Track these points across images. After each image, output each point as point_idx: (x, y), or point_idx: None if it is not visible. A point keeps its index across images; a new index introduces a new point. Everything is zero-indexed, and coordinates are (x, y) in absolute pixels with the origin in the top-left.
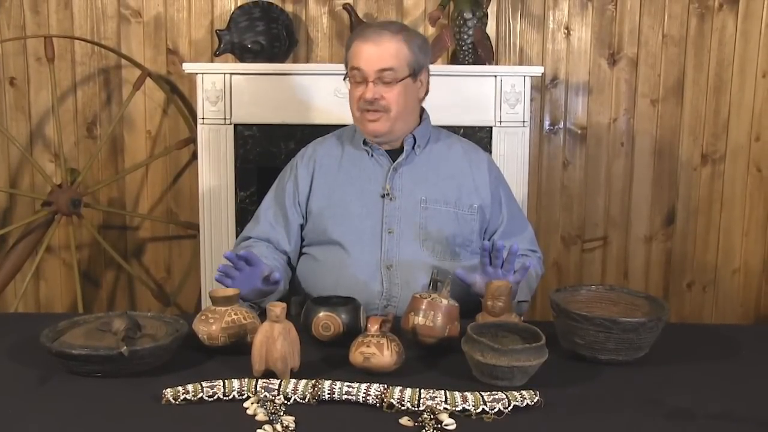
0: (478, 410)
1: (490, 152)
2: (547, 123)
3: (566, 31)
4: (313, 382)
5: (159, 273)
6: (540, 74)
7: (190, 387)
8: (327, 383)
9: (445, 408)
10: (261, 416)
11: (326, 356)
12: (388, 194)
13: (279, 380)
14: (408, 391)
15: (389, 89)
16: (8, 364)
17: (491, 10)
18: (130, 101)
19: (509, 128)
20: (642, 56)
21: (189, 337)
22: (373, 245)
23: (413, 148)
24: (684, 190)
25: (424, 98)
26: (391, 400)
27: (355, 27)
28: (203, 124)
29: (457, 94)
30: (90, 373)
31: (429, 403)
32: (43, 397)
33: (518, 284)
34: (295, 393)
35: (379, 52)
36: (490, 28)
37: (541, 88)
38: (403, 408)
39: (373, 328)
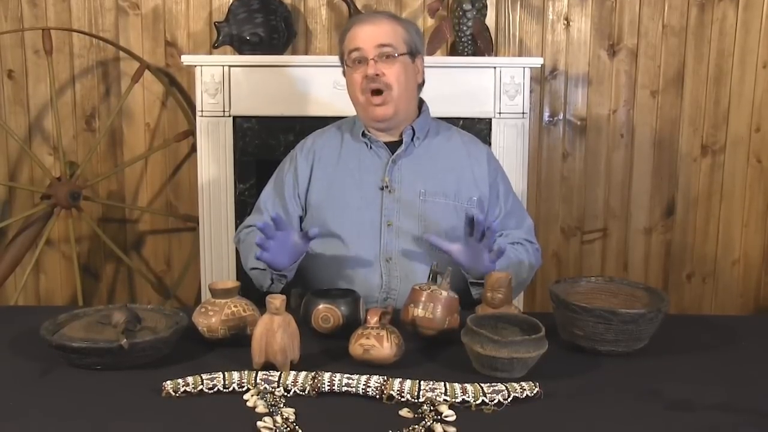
0: (478, 402)
1: (490, 144)
2: (546, 114)
3: (566, 22)
4: (312, 374)
5: (159, 266)
6: (539, 65)
7: (190, 379)
8: (327, 375)
9: (444, 399)
10: (261, 408)
11: (326, 348)
12: (387, 186)
13: (279, 372)
14: (408, 383)
15: (389, 66)
16: (8, 357)
17: (490, 1)
18: (128, 94)
19: (508, 120)
20: (642, 47)
21: (189, 329)
22: (372, 238)
23: (412, 140)
24: (684, 181)
25: (421, 87)
26: (391, 392)
27: None
28: (202, 116)
29: (457, 85)
30: (90, 365)
31: (429, 394)
32: (43, 390)
33: (494, 263)
34: (295, 385)
35: (377, 30)
36: (490, 19)
37: (541, 79)
38: (402, 400)
39: (373, 320)
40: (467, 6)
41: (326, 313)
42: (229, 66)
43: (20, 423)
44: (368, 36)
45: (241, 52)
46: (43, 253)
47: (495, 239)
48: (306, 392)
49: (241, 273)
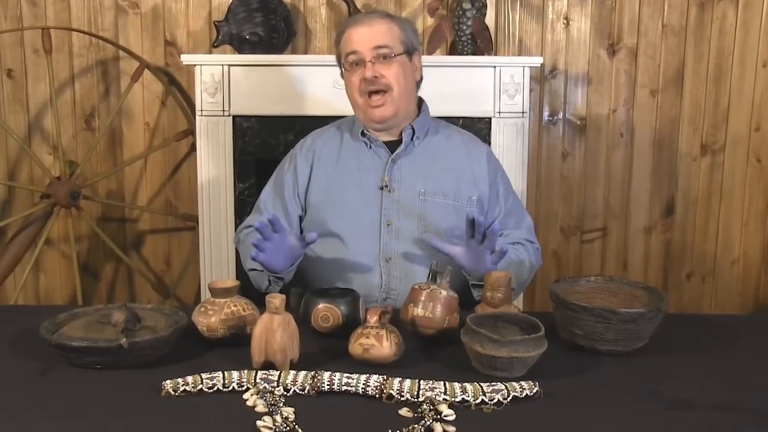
0: (478, 401)
1: (489, 143)
2: (546, 114)
3: (565, 21)
4: (312, 373)
5: (158, 265)
6: (539, 65)
7: (189, 379)
8: (326, 374)
9: (444, 399)
10: (261, 408)
11: (326, 348)
12: (386, 186)
13: (278, 372)
14: (407, 382)
15: (387, 67)
16: (8, 357)
17: (490, 0)
18: (128, 93)
19: (508, 119)
20: (642, 46)
21: (188, 329)
22: (371, 237)
23: (412, 139)
24: (683, 180)
25: (419, 84)
26: (391, 391)
27: None
28: (202, 115)
29: (456, 85)
30: (90, 365)
31: (428, 394)
32: (42, 390)
33: (496, 264)
34: (294, 384)
35: (372, 32)
36: (489, 19)
37: (541, 78)
38: (402, 399)
39: (373, 319)
40: (467, 5)
41: (326, 313)
42: (229, 65)
43: (20, 422)
44: (364, 38)
45: (240, 52)
46: (42, 252)
47: (496, 241)
48: (306, 391)
49: (240, 272)
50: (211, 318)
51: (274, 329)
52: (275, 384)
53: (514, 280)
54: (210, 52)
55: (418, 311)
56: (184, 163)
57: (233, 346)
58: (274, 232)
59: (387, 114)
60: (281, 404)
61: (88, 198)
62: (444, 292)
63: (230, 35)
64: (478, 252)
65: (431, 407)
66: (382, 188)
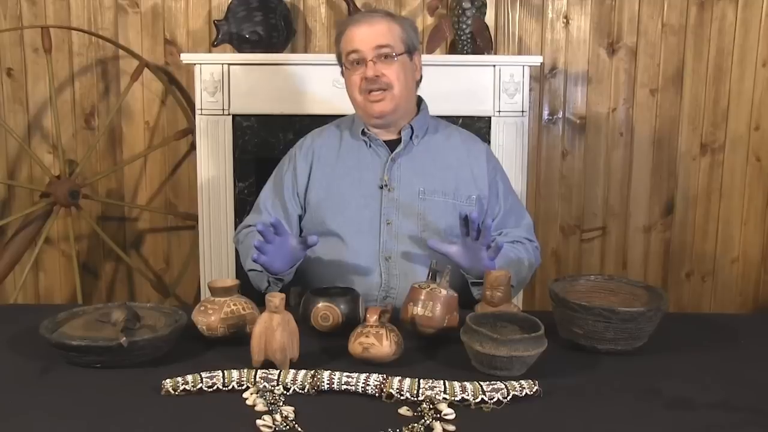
0: (477, 400)
1: (489, 142)
2: (546, 113)
3: (565, 21)
4: (312, 372)
5: (158, 264)
6: (539, 64)
7: (189, 378)
8: (326, 373)
9: (444, 398)
10: (260, 406)
11: (325, 347)
12: (386, 185)
13: (278, 371)
14: (407, 381)
15: (388, 66)
16: (8, 355)
17: None
18: (128, 92)
19: (508, 118)
20: (641, 45)
21: (188, 327)
22: (371, 236)
23: (411, 138)
24: (683, 179)
25: (419, 83)
26: (390, 390)
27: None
28: (201, 114)
29: (456, 83)
30: (89, 364)
31: (428, 393)
32: (42, 388)
33: (492, 260)
34: (294, 383)
35: (374, 31)
36: (489, 18)
37: (540, 77)
38: (402, 398)
39: (372, 318)
40: (467, 4)
41: (326, 312)
42: (229, 64)
43: (20, 421)
44: (365, 37)
45: (240, 51)
46: (42, 251)
47: (492, 237)
48: (305, 390)
49: (240, 271)
50: (210, 317)
51: (273, 328)
52: (275, 383)
53: (514, 278)
54: (210, 51)
55: (418, 310)
56: (184, 162)
57: (233, 345)
58: (275, 234)
59: (386, 109)
60: (281, 403)
61: (88, 197)
62: (443, 291)
63: (230, 34)
64: (474, 249)
65: (431, 406)
66: (381, 187)
